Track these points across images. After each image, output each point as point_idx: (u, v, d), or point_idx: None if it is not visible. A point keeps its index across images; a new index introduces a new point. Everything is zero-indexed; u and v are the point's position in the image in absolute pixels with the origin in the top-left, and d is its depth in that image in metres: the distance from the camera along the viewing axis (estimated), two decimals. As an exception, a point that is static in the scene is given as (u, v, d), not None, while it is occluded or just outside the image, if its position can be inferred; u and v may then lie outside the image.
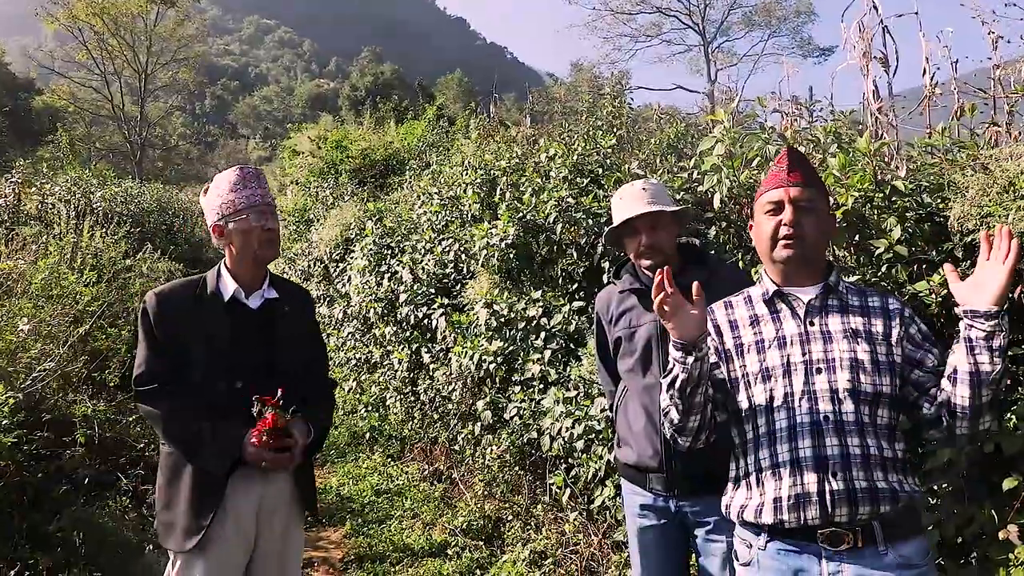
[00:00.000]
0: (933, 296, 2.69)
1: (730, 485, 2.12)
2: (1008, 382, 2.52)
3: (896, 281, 2.90)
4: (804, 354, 1.97)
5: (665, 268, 1.96)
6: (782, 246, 2.03)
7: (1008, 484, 2.29)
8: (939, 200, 2.87)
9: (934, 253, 2.88)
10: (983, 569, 2.36)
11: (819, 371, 1.94)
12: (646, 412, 2.54)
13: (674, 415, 2.05)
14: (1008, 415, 2.42)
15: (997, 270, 1.79)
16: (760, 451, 1.98)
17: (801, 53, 37.19)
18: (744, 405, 2.05)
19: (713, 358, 2.11)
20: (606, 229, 2.69)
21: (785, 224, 2.02)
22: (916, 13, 4.64)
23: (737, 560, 2.07)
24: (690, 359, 1.95)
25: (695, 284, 1.95)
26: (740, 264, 3.27)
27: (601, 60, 37.66)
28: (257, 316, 2.52)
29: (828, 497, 1.86)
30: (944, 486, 2.52)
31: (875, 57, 4.78)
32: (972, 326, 1.80)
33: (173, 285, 2.54)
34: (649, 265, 2.59)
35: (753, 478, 2.00)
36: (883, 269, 2.90)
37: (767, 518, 1.93)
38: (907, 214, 2.85)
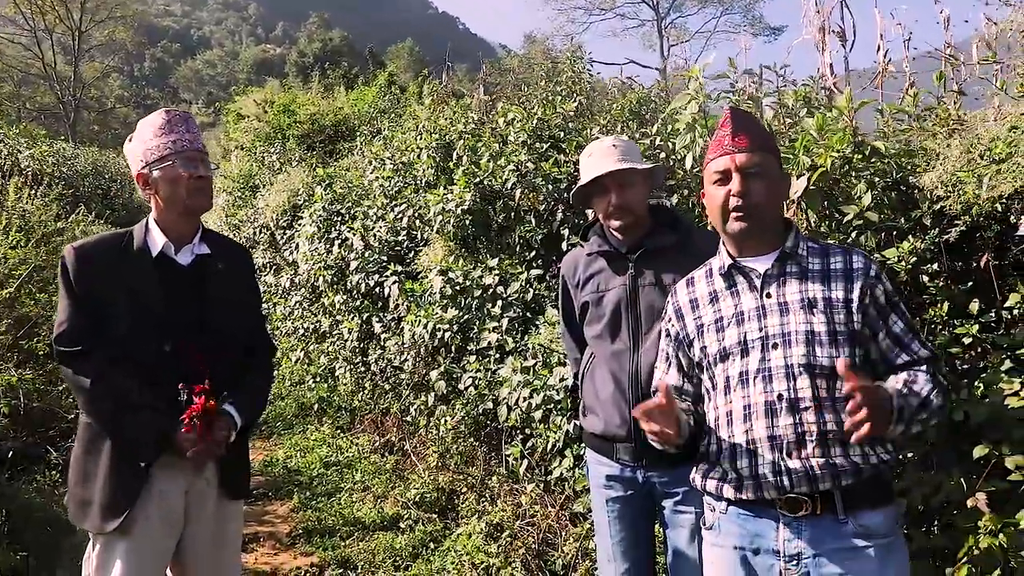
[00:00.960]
0: (903, 263, 2.65)
1: (698, 457, 2.07)
2: (976, 352, 2.50)
3: (865, 248, 2.85)
4: (760, 329, 1.89)
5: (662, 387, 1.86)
6: (733, 218, 1.93)
7: (979, 452, 2.26)
8: (909, 167, 2.82)
9: (903, 220, 2.84)
10: (949, 537, 2.33)
11: (775, 346, 1.87)
12: (614, 379, 2.43)
13: None
14: (976, 383, 2.40)
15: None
16: (719, 431, 1.94)
17: (752, 31, 37.49)
18: (708, 385, 2.00)
19: (676, 347, 2.09)
20: (572, 189, 2.56)
21: (734, 195, 1.91)
22: (871, -10, 4.61)
23: (704, 524, 2.05)
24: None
25: (659, 395, 1.84)
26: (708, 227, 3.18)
27: (555, 32, 37.35)
28: (188, 273, 2.30)
29: (785, 477, 1.81)
30: (910, 454, 2.49)
31: (832, 31, 4.74)
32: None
33: (96, 238, 2.30)
34: (619, 226, 2.47)
35: (714, 456, 1.97)
36: (852, 236, 2.85)
37: (728, 494, 1.92)
38: (875, 180, 2.80)
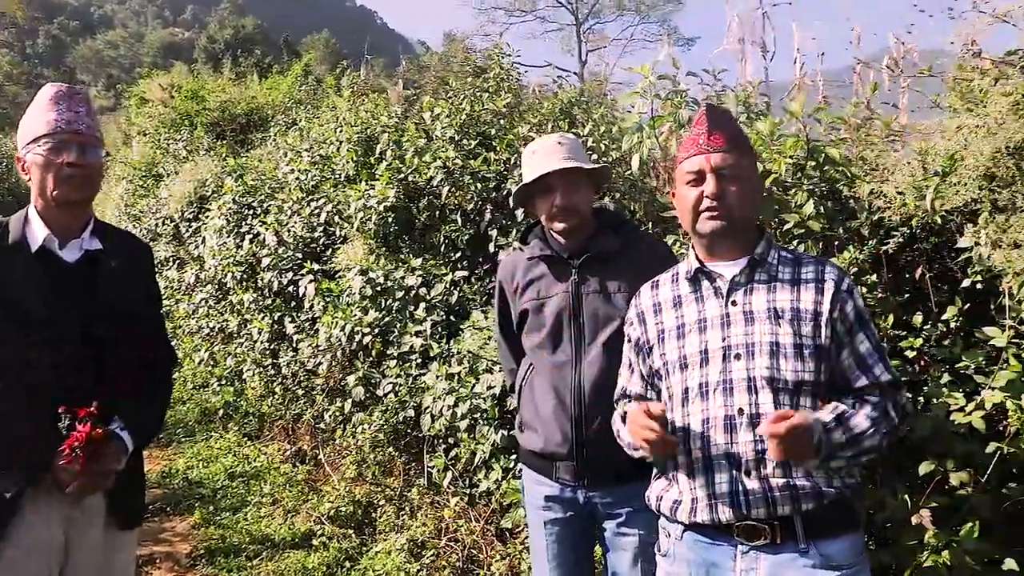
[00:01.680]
0: (843, 274, 2.60)
1: (653, 473, 1.95)
2: (920, 366, 2.47)
3: (805, 258, 2.80)
4: (723, 339, 1.78)
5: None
6: (705, 218, 1.82)
7: (924, 469, 2.22)
8: (849, 176, 2.78)
9: (841, 230, 2.81)
10: (893, 554, 2.28)
11: (737, 357, 1.76)
12: (556, 394, 2.27)
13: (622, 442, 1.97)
14: (919, 397, 2.37)
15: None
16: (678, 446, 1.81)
17: (668, 41, 38.36)
18: (665, 396, 1.88)
19: (637, 353, 1.98)
20: (502, 188, 2.39)
21: (708, 196, 1.80)
22: (790, 3, 4.68)
23: (659, 551, 1.93)
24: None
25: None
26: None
27: (475, 31, 37.14)
28: (74, 272, 2.00)
29: (742, 497, 1.71)
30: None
31: (754, 42, 4.76)
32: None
33: None
34: (563, 229, 2.31)
35: (669, 472, 1.85)
36: (793, 244, 2.80)
37: (682, 517, 1.80)
38: (814, 189, 2.75)
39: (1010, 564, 2.14)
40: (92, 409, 1.83)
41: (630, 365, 2.01)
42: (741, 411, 1.73)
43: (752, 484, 1.70)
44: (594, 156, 4.07)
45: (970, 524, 2.13)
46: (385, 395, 4.34)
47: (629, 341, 2.01)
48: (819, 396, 1.77)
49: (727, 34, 4.98)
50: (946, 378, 2.36)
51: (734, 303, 1.81)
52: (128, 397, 2.00)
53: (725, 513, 1.72)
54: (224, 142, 10.14)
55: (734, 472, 1.72)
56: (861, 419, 1.70)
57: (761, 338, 1.75)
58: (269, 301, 5.95)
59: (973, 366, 2.29)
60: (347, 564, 3.79)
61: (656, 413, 1.71)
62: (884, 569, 2.29)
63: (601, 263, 2.30)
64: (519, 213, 4.00)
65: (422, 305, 4.40)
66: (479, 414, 3.68)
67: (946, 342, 2.47)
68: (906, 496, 2.27)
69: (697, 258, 1.89)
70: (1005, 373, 2.07)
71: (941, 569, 2.12)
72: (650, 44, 39.94)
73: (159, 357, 2.22)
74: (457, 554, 3.61)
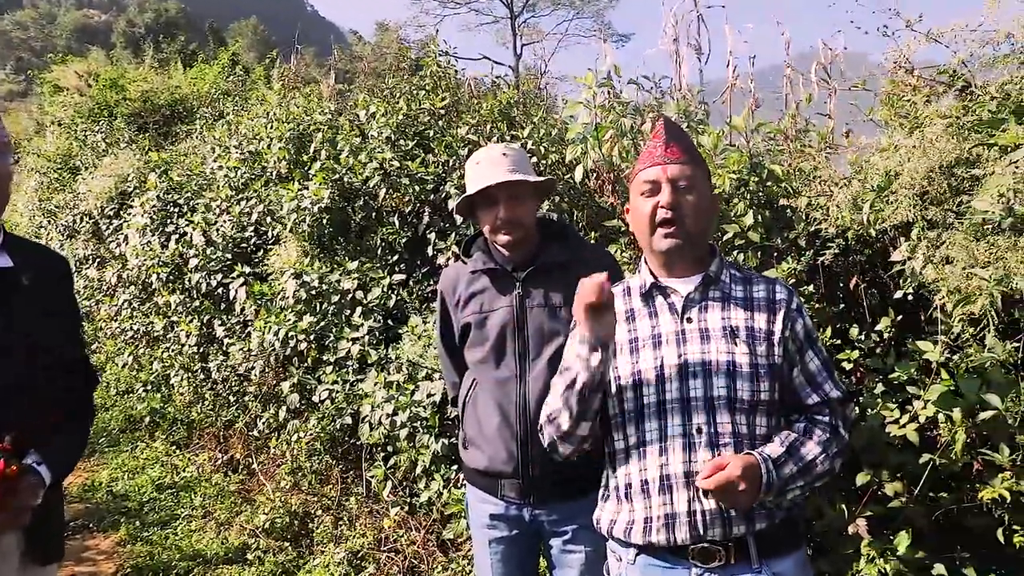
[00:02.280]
0: (781, 285, 2.64)
1: (600, 495, 1.91)
2: (856, 377, 2.53)
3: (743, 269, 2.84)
4: (679, 356, 1.77)
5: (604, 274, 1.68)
6: (661, 234, 1.80)
7: (861, 480, 2.27)
8: (786, 192, 2.83)
9: (779, 241, 2.85)
10: (830, 563, 2.33)
11: (694, 375, 1.75)
12: (500, 410, 2.23)
13: (564, 421, 1.80)
14: (855, 409, 2.42)
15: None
16: (629, 464, 1.80)
17: (602, 37, 38.67)
18: (614, 412, 1.84)
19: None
20: (439, 191, 2.33)
21: (663, 207, 1.79)
22: (723, 6, 4.75)
23: (608, 574, 1.90)
24: (596, 357, 1.71)
25: (603, 276, 1.67)
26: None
27: (408, 22, 36.67)
28: None
29: (699, 517, 1.70)
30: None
31: (689, 44, 4.82)
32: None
33: None
34: (506, 242, 2.27)
35: (622, 492, 1.82)
36: (733, 255, 2.83)
37: (636, 538, 1.77)
38: (754, 200, 2.78)
39: (939, 569, 2.22)
40: (5, 444, 1.70)
41: None
42: (699, 430, 1.72)
43: (709, 504, 1.69)
44: (534, 159, 4.04)
45: (904, 533, 2.19)
46: (321, 402, 4.23)
47: None
48: (774, 414, 1.78)
49: (662, 35, 5.02)
50: (880, 388, 2.42)
51: (689, 320, 1.80)
52: (45, 427, 1.86)
53: (682, 533, 1.70)
54: (146, 134, 9.71)
55: (691, 492, 1.71)
56: (812, 446, 1.72)
57: (718, 357, 1.75)
58: (198, 303, 5.72)
59: (906, 377, 2.36)
60: (283, 579, 3.68)
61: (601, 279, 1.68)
62: (822, 578, 2.34)
63: (546, 276, 2.26)
64: (458, 216, 3.94)
65: (359, 309, 4.30)
66: (419, 422, 3.62)
67: (879, 350, 2.54)
68: (843, 506, 2.32)
69: (651, 272, 1.87)
70: (937, 387, 2.13)
71: (877, 577, 2.18)
72: (585, 39, 40.22)
73: (78, 381, 2.08)
74: (398, 565, 3.55)
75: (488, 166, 2.24)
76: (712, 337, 1.78)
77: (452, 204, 3.93)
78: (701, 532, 1.70)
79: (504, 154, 2.25)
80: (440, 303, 2.48)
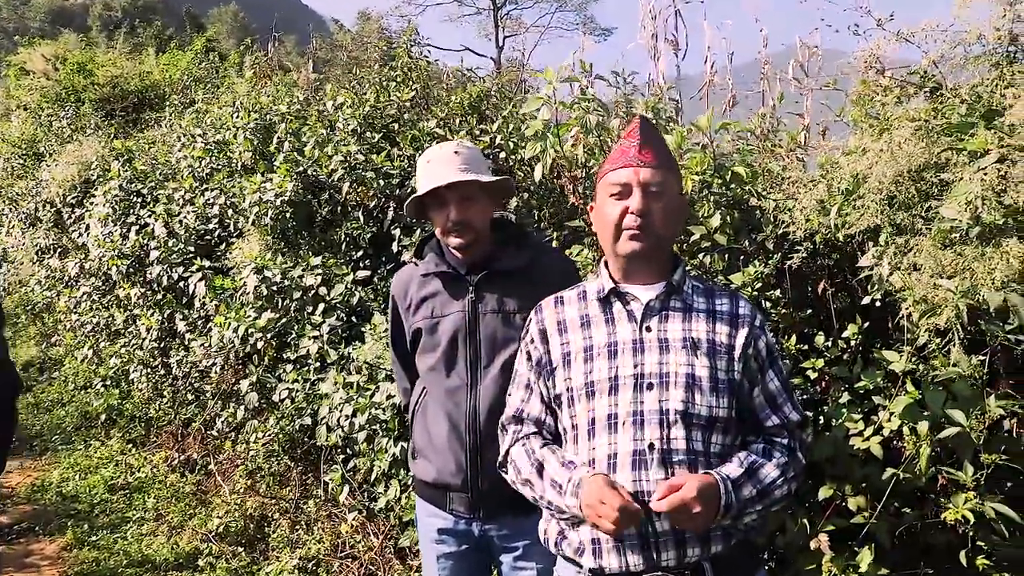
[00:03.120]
0: (748, 289, 2.56)
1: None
2: (822, 386, 2.45)
3: (710, 271, 2.75)
4: (635, 366, 1.67)
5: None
6: (627, 237, 1.71)
7: (824, 493, 2.20)
8: (752, 193, 2.74)
9: (747, 243, 2.77)
10: (791, 580, 2.26)
11: (650, 387, 1.65)
12: (449, 420, 2.13)
13: (528, 493, 1.78)
14: (819, 418, 2.35)
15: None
16: None
17: (584, 30, 38.52)
18: (567, 424, 1.74)
19: (537, 374, 1.82)
20: (410, 197, 2.22)
21: (632, 212, 1.69)
22: (703, 1, 4.69)
23: None
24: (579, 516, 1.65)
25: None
26: (554, 244, 2.96)
27: (390, 12, 36.31)
28: None
29: (652, 540, 1.60)
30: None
31: (666, 39, 4.74)
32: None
33: None
34: (458, 244, 2.16)
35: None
36: (699, 257, 2.74)
37: (587, 561, 1.66)
38: (721, 200, 2.70)
39: (903, 586, 2.15)
40: None
41: (528, 385, 1.84)
42: (652, 446, 1.62)
43: (662, 526, 1.60)
44: (502, 154, 3.93)
45: (866, 549, 2.12)
46: (281, 401, 4.11)
47: (529, 359, 1.84)
48: (730, 433, 1.70)
49: (640, 30, 4.94)
50: (845, 397, 2.35)
51: (648, 329, 1.71)
52: None
53: (634, 557, 1.61)
54: (113, 121, 9.47)
55: (642, 512, 1.61)
56: (771, 468, 1.64)
57: (677, 368, 1.66)
58: (159, 296, 5.56)
59: (872, 386, 2.29)
60: (235, 586, 3.56)
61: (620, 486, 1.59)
62: (783, 595, 2.27)
63: (501, 281, 2.16)
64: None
65: (321, 306, 4.17)
66: (378, 425, 3.51)
67: (846, 357, 2.47)
68: (805, 520, 2.24)
69: (611, 277, 1.78)
70: (903, 399, 2.05)
71: (838, 595, 2.10)
72: (567, 33, 40.06)
73: None
74: (354, 573, 3.44)
75: (439, 165, 2.13)
76: (672, 348, 1.68)
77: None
78: (654, 556, 1.60)
79: (456, 152, 2.14)
80: (391, 307, 2.37)
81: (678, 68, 4.82)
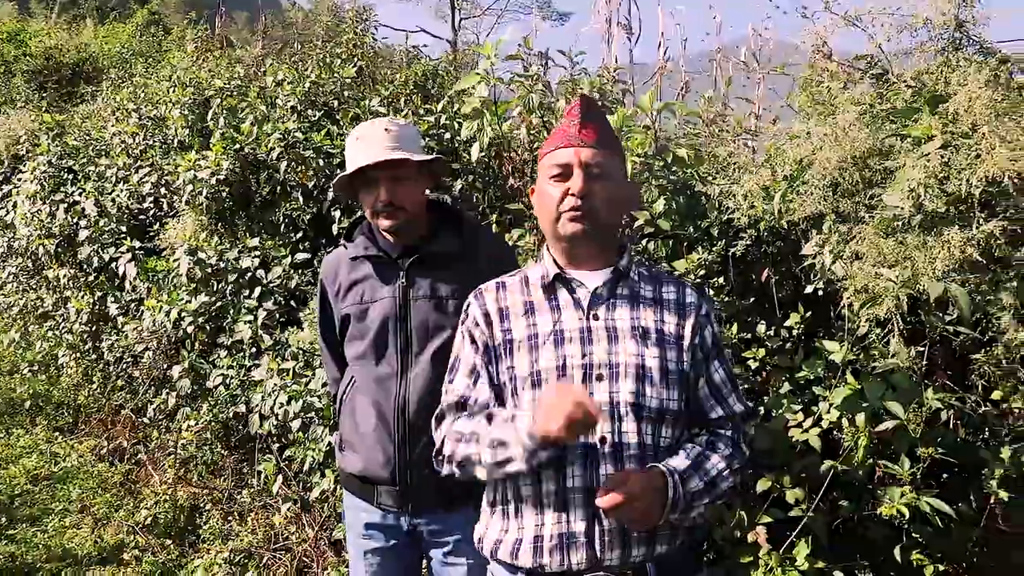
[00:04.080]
0: (691, 276, 2.51)
1: (484, 511, 1.72)
2: (762, 376, 2.42)
3: (654, 257, 2.70)
4: (584, 355, 1.59)
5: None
6: (568, 219, 1.61)
7: (762, 486, 2.16)
8: (695, 177, 2.69)
9: (691, 229, 2.71)
10: (730, 572, 2.22)
11: (599, 378, 1.57)
12: (378, 411, 2.03)
13: (473, 474, 1.61)
14: (759, 409, 2.31)
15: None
16: (522, 476, 1.58)
17: (541, 15, 38.30)
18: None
19: (486, 358, 1.69)
20: (337, 177, 2.10)
21: (573, 194, 1.60)
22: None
23: None
24: (544, 455, 1.49)
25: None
26: (494, 228, 2.86)
27: (347, -11, 35.56)
28: None
29: (597, 538, 1.53)
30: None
31: (619, 24, 4.69)
32: None
33: None
34: (388, 227, 2.05)
35: (511, 508, 1.62)
36: (642, 243, 2.68)
37: (525, 560, 1.56)
38: (666, 185, 2.64)
39: (839, 576, 2.13)
40: None
41: (474, 370, 1.70)
42: (603, 440, 1.55)
43: (609, 524, 1.53)
44: (447, 135, 3.82)
45: (803, 542, 2.09)
46: (215, 388, 3.95)
47: (474, 343, 1.71)
48: (679, 426, 1.63)
49: (594, 14, 4.86)
50: (786, 387, 2.32)
51: (596, 317, 1.62)
52: None
53: (577, 556, 1.53)
54: (46, 95, 9.05)
55: (591, 509, 1.53)
56: (717, 460, 1.59)
57: (626, 358, 1.58)
58: (91, 278, 5.32)
59: (812, 376, 2.26)
60: (162, 581, 3.41)
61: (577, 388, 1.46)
62: (720, 588, 2.23)
63: (434, 265, 2.06)
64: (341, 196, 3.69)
65: (258, 289, 4.02)
66: (313, 413, 3.38)
67: (788, 347, 2.44)
68: (743, 513, 2.20)
69: (555, 263, 1.68)
70: (842, 391, 2.01)
71: (774, 588, 2.07)
72: (523, 16, 39.75)
73: None
74: (287, 566, 3.32)
75: (368, 143, 2.01)
76: (620, 337, 1.60)
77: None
78: (599, 554, 1.52)
79: (387, 129, 2.03)
80: (319, 292, 2.25)
81: (631, 54, 4.78)
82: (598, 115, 1.70)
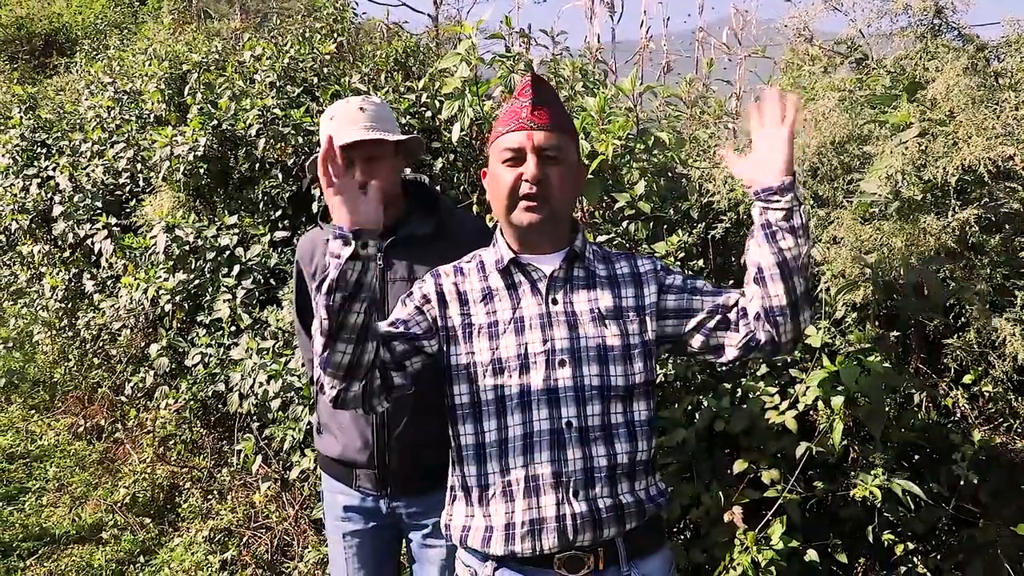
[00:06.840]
0: (670, 258, 2.51)
1: (448, 497, 1.71)
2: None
3: (634, 239, 2.70)
4: (545, 341, 1.58)
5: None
6: (523, 208, 1.59)
7: (739, 467, 2.19)
8: (669, 156, 2.68)
9: (672, 212, 2.72)
10: (707, 552, 2.25)
11: (562, 363, 1.57)
12: (356, 394, 2.02)
13: (319, 340, 1.48)
14: (736, 391, 2.33)
15: (777, 135, 1.48)
16: (488, 463, 1.59)
17: (525, -11, 37.92)
18: (466, 401, 1.61)
19: (424, 326, 1.62)
20: (312, 156, 2.07)
21: (527, 180, 1.57)
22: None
23: None
24: (347, 251, 1.42)
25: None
26: (474, 208, 2.85)
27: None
28: None
29: (569, 521, 1.54)
30: (671, 465, 2.37)
31: (602, 1, 4.66)
32: (767, 207, 1.47)
33: None
34: (367, 208, 2.03)
35: (477, 495, 1.62)
36: (623, 225, 2.68)
37: (497, 548, 1.57)
38: (648, 167, 2.63)
39: (812, 555, 2.17)
40: None
41: (394, 324, 1.62)
42: (570, 424, 1.55)
43: (580, 507, 1.54)
44: (428, 113, 3.78)
45: (778, 522, 2.12)
46: (194, 366, 3.93)
47: (417, 310, 1.64)
48: (652, 396, 1.64)
49: (576, -11, 4.82)
50: (763, 370, 2.34)
51: (555, 302, 1.62)
52: None
53: (549, 540, 1.54)
54: (16, 66, 8.85)
55: (561, 493, 1.54)
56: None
57: (588, 342, 1.58)
58: (66, 254, 5.24)
59: (788, 359, 2.28)
60: (141, 559, 3.40)
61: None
62: (700, 568, 2.26)
63: (410, 247, 2.05)
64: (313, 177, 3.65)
65: (236, 267, 3.98)
66: (293, 392, 3.38)
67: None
68: (720, 493, 2.23)
69: (509, 247, 1.66)
70: (818, 374, 2.04)
71: (748, 568, 2.10)
72: (509, -10, 39.35)
73: None
74: (266, 545, 3.33)
75: (343, 122, 1.98)
76: (580, 321, 1.60)
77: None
78: (571, 538, 1.54)
79: (362, 108, 2.00)
80: (296, 273, 2.24)
81: (613, 32, 4.75)
82: (550, 95, 1.66)
